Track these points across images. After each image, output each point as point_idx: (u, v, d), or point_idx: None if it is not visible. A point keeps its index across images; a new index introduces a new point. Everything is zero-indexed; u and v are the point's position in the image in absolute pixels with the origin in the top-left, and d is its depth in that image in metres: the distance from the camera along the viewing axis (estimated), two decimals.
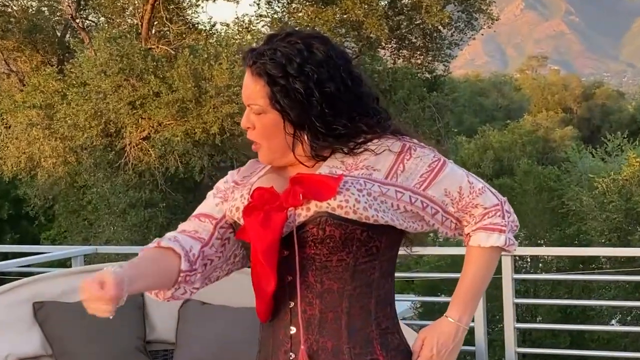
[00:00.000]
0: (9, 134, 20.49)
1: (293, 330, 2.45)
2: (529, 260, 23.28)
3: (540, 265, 24.12)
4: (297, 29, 2.51)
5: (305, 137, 2.43)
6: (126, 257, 7.47)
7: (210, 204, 2.64)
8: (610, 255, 22.98)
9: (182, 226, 2.63)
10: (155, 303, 5.13)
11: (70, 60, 20.81)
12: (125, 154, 19.39)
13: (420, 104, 21.36)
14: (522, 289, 21.95)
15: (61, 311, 4.93)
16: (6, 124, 20.62)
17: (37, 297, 4.96)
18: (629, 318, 22.96)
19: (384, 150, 2.44)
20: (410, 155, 2.46)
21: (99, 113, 19.12)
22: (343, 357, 2.42)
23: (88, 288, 2.28)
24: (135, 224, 18.73)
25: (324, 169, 2.44)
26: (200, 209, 2.65)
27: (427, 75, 23.29)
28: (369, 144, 2.45)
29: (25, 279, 5.10)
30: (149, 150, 19.14)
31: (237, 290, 5.11)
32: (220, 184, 2.68)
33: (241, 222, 2.46)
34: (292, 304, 2.44)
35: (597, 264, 24.58)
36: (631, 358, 9.94)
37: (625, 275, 20.25)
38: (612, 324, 22.75)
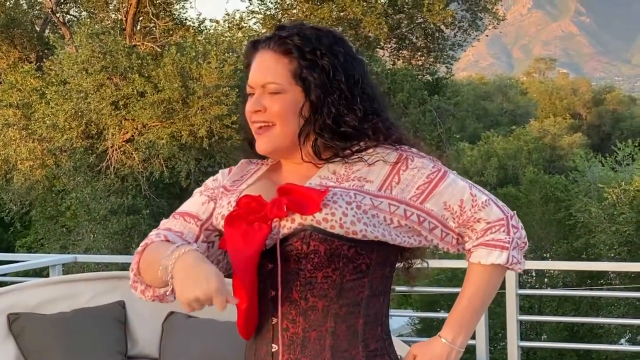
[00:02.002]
0: None
1: (275, 348, 2.43)
2: (534, 274, 23.31)
3: (546, 280, 24.16)
4: (294, 22, 2.49)
5: (313, 130, 2.41)
6: (107, 266, 7.50)
7: (197, 203, 2.62)
8: (620, 270, 22.97)
9: (166, 223, 2.62)
10: (137, 316, 5.13)
11: (50, 57, 20.82)
12: (107, 157, 19.37)
13: (420, 107, 21.40)
14: (527, 305, 21.98)
15: (38, 323, 4.93)
16: None
17: (12, 308, 4.97)
18: (639, 337, 22.98)
19: (377, 161, 2.43)
20: (406, 166, 2.43)
21: (79, 113, 19.09)
22: None
23: None
24: (116, 231, 18.70)
25: (315, 179, 2.43)
26: (186, 207, 2.63)
27: (429, 78, 23.36)
28: (363, 153, 2.43)
29: (1, 289, 5.10)
30: (132, 154, 19.13)
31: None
32: (209, 182, 2.66)
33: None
34: (275, 320, 2.42)
35: (606, 280, 24.62)
36: None
37: (636, 292, 20.30)
38: (622, 344, 22.76)
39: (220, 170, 2.70)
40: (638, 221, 25.60)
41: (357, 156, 2.43)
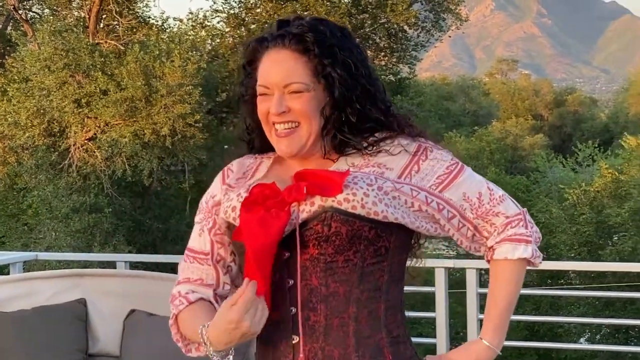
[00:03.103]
0: None
1: (295, 339, 2.38)
2: None
3: None
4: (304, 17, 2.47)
5: (333, 126, 2.39)
6: (68, 264, 7.48)
7: (196, 237, 2.60)
8: (580, 270, 23.18)
9: (184, 271, 2.63)
10: (98, 314, 5.11)
11: (12, 54, 20.71)
12: (70, 155, 19.30)
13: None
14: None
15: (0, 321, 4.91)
16: None
17: None
18: (598, 336, 23.17)
19: (399, 152, 2.43)
20: (426, 156, 2.44)
21: (41, 111, 19.03)
22: None
23: None
24: (78, 229, 18.63)
25: (334, 168, 2.41)
26: (193, 243, 2.60)
27: (392, 78, 23.42)
28: (381, 143, 2.43)
29: None
30: (94, 152, 19.07)
31: None
32: (204, 201, 2.60)
33: (237, 222, 2.39)
34: (294, 310, 2.37)
35: (566, 279, 24.81)
36: None
37: (595, 291, 20.47)
38: (581, 343, 22.91)
39: (212, 186, 2.62)
40: (598, 222, 25.80)
41: (376, 147, 2.42)
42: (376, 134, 2.44)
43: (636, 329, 23.28)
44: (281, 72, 2.36)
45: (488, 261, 2.52)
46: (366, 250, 2.34)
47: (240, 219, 2.33)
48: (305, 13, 21.09)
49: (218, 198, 2.55)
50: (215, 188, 2.58)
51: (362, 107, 2.39)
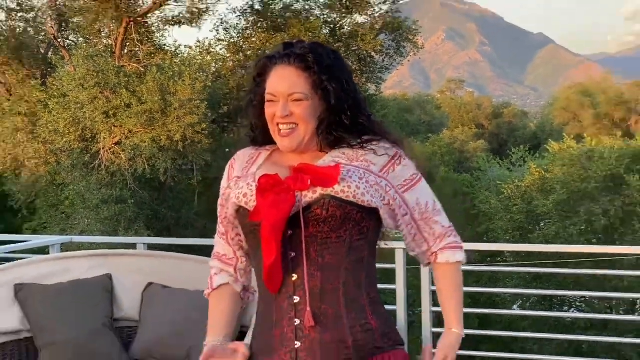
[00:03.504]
0: None
1: (296, 299, 2.44)
2: None
3: None
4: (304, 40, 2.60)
5: (327, 127, 2.51)
6: (97, 246, 7.43)
7: (220, 217, 2.70)
8: (513, 250, 23.25)
9: (217, 246, 2.75)
10: (122, 287, 5.09)
11: (52, 74, 20.63)
12: (99, 157, 19.23)
13: None
14: None
15: (39, 292, 4.88)
16: None
17: (18, 279, 4.91)
18: (527, 304, 23.26)
19: (383, 154, 2.55)
20: (400, 161, 2.57)
21: (76, 121, 18.96)
22: (342, 322, 2.44)
23: None
24: (107, 217, 18.58)
25: (327, 158, 2.53)
26: (219, 227, 2.72)
27: (361, 94, 23.35)
28: (369, 144, 2.55)
29: (8, 264, 5.04)
30: (120, 154, 19.01)
31: (194, 275, 5.11)
32: (221, 194, 2.71)
33: (249, 207, 2.48)
34: (296, 276, 2.44)
35: (502, 258, 24.89)
36: (529, 338, 10.07)
37: (526, 267, 20.47)
38: (514, 309, 23.00)
39: (225, 170, 2.72)
40: (528, 211, 25.90)
41: (364, 145, 2.55)
42: (364, 136, 2.56)
43: (558, 298, 23.36)
44: (286, 84, 2.46)
45: (428, 263, 2.67)
46: (353, 229, 2.45)
47: (257, 202, 2.44)
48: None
49: (225, 197, 2.65)
50: (224, 183, 2.68)
51: (352, 114, 2.51)
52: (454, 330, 2.61)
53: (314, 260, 2.43)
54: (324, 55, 2.50)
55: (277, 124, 2.49)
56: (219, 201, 2.66)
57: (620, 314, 22.87)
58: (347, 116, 2.51)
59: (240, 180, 2.57)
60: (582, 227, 24.41)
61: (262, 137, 2.63)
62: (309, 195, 2.41)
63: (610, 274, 19.43)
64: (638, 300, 24.23)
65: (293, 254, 2.44)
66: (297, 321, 2.43)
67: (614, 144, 28.26)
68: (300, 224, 2.41)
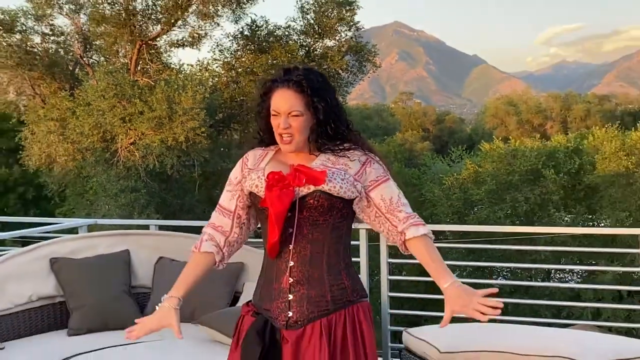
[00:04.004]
0: (34, 138, 20.10)
1: (292, 263, 2.62)
2: None
3: None
4: (300, 64, 2.69)
5: (316, 136, 2.65)
6: (117, 227, 7.40)
7: (227, 199, 2.81)
8: (453, 230, 23.35)
9: (213, 217, 2.83)
10: (137, 260, 5.08)
11: (79, 87, 20.50)
12: (117, 154, 19.14)
13: None
14: (393, 252, 22.11)
15: (70, 265, 4.87)
16: (32, 131, 20.22)
17: (52, 254, 4.89)
18: (464, 273, 23.37)
19: (355, 160, 2.68)
20: (370, 166, 2.69)
21: (98, 125, 18.86)
22: (324, 282, 2.62)
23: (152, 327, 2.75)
24: (123, 204, 18.51)
25: (317, 161, 2.66)
26: (221, 201, 2.82)
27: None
28: (347, 152, 2.68)
29: (44, 242, 5.02)
30: (134, 152, 18.92)
31: None
32: (232, 178, 2.82)
33: (260, 194, 2.65)
34: (291, 246, 2.62)
35: (444, 236, 24.97)
36: (512, 320, 10.05)
37: (463, 244, 20.56)
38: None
39: (234, 169, 2.83)
40: (464, 198, 26.02)
41: (342, 153, 2.68)
42: (345, 144, 2.69)
43: (488, 268, 23.50)
44: (286, 104, 2.60)
45: (403, 242, 2.70)
46: (337, 214, 2.63)
47: (265, 195, 2.61)
48: (275, 61, 21.04)
49: (239, 178, 2.77)
50: (237, 171, 2.80)
51: (335, 126, 2.65)
52: (450, 282, 2.60)
53: (305, 236, 2.60)
54: (314, 80, 2.62)
55: (280, 134, 2.62)
56: (228, 187, 2.81)
57: (538, 281, 23.10)
58: (331, 127, 2.64)
59: (252, 172, 2.71)
60: (508, 212, 24.57)
61: (268, 139, 2.75)
62: (304, 190, 2.58)
63: (530, 249, 19.59)
64: (552, 270, 24.50)
65: (291, 230, 2.60)
66: (291, 279, 2.63)
67: (533, 144, 28.44)
68: (297, 209, 2.59)
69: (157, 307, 2.72)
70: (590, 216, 25.63)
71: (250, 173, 2.71)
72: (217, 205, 2.82)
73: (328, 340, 2.57)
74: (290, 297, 2.61)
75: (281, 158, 2.72)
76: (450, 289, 2.58)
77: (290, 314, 2.61)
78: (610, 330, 14.10)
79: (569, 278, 25.00)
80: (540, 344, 4.33)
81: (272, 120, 2.64)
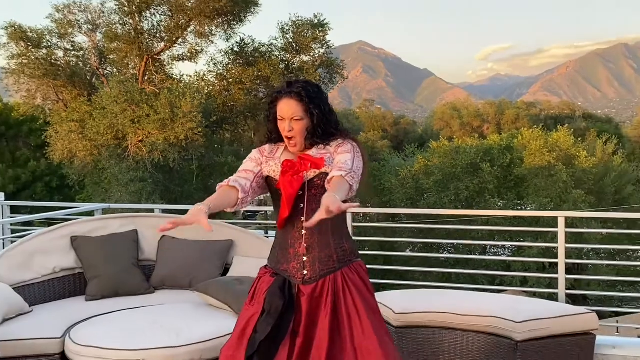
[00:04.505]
0: (57, 136, 19.91)
1: (304, 232, 2.67)
2: (361, 215, 23.64)
3: (368, 218, 24.51)
4: (301, 77, 2.77)
5: (310, 135, 2.69)
6: (127, 211, 7.35)
7: (250, 166, 2.78)
8: (407, 212, 23.48)
9: (237, 174, 2.77)
10: (144, 238, 5.05)
11: (95, 94, 20.32)
12: (128, 150, 19.00)
13: None
14: (357, 231, 22.24)
15: (88, 242, 4.83)
16: (56, 130, 20.03)
17: (73, 233, 4.86)
18: (416, 248, 23.52)
19: (334, 144, 2.72)
20: (342, 146, 2.71)
21: (112, 126, 18.72)
22: (330, 246, 2.69)
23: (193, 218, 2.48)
24: (133, 191, 18.43)
25: (314, 151, 2.71)
26: (244, 166, 2.78)
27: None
28: (332, 142, 2.73)
29: (66, 223, 4.98)
30: (142, 148, 18.80)
31: (194, 231, 5.08)
32: (253, 155, 2.81)
33: (275, 177, 2.70)
34: (303, 219, 2.65)
35: (399, 218, 25.10)
36: (417, 271, 10.14)
37: (415, 224, 20.69)
38: (407, 252, 23.23)
39: (254, 151, 2.83)
40: (416, 187, 26.14)
41: (328, 143, 2.73)
42: (332, 141, 2.74)
43: (435, 245, 23.67)
44: (290, 110, 2.67)
45: (328, 181, 2.61)
46: None
47: (279, 180, 2.67)
48: (259, 73, 20.98)
49: (259, 156, 2.79)
50: (256, 152, 2.82)
51: (326, 127, 2.71)
52: (331, 193, 2.49)
53: (314, 210, 2.56)
54: (311, 91, 2.68)
55: (287, 137, 2.70)
56: (248, 162, 2.79)
57: (476, 255, 23.30)
58: (322, 129, 2.69)
59: (270, 160, 2.75)
60: (452, 198, 24.75)
61: (276, 139, 2.79)
62: (310, 173, 2.64)
63: (470, 229, 19.77)
64: (487, 246, 24.72)
65: (302, 205, 2.65)
66: (305, 245, 2.68)
67: (472, 143, 28.61)
68: (306, 189, 2.64)
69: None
70: (519, 202, 25.87)
71: (268, 160, 2.75)
72: (238, 171, 2.79)
73: (333, 291, 2.64)
74: (305, 259, 2.67)
75: (289, 151, 2.77)
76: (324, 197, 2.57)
77: (306, 272, 2.66)
78: (534, 295, 14.28)
79: (502, 252, 25.25)
80: (478, 306, 4.38)
81: (279, 124, 2.70)
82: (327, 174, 2.62)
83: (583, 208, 24.07)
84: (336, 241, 2.70)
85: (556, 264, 5.09)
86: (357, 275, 2.70)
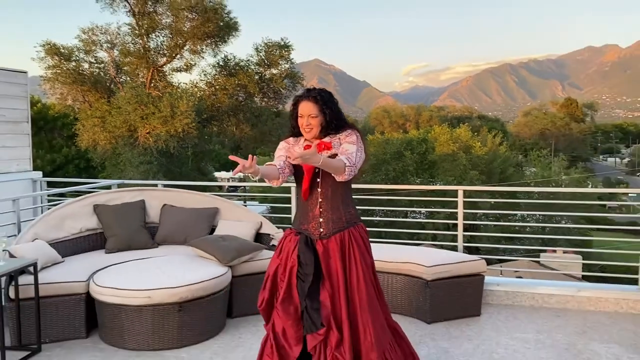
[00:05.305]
0: (84, 129, 19.37)
1: (320, 200, 2.60)
2: None
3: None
4: (315, 86, 2.72)
5: (324, 130, 2.59)
6: (137, 185, 7.18)
7: (281, 152, 2.67)
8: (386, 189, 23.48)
9: (275, 159, 2.67)
10: (150, 206, 4.95)
11: (113, 96, 19.81)
12: (138, 140, 18.60)
13: (273, 121, 21.33)
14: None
15: (106, 209, 4.73)
16: (83, 124, 19.48)
17: (95, 202, 4.75)
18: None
19: (342, 135, 2.61)
20: (348, 135, 2.61)
21: (126, 121, 18.28)
22: (340, 210, 2.62)
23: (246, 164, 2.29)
24: (142, 171, 18.12)
25: (327, 139, 2.60)
26: (277, 153, 2.69)
27: (275, 110, 23.09)
28: (341, 132, 2.62)
29: (90, 194, 4.87)
30: (149, 139, 18.41)
31: (189, 200, 5.01)
32: (281, 145, 2.70)
33: None
34: (320, 190, 2.60)
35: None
36: (384, 242, 10.14)
37: (356, 196, 20.68)
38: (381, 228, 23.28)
39: (282, 142, 2.72)
40: (395, 170, 26.13)
41: (336, 134, 2.62)
42: (341, 131, 2.63)
43: (370, 211, 23.77)
44: (308, 110, 2.59)
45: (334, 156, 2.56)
46: None
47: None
48: (239, 82, 20.68)
49: (285, 145, 2.68)
50: (284, 143, 2.70)
51: (337, 123, 2.61)
52: (321, 155, 2.37)
53: (327, 182, 2.58)
54: (325, 96, 2.61)
55: (304, 127, 2.60)
56: (279, 151, 2.68)
57: (400, 218, 23.58)
58: (333, 124, 2.59)
59: (295, 146, 2.67)
60: (383, 177, 24.96)
61: (298, 132, 2.68)
62: (325, 154, 2.49)
63: (396, 199, 19.94)
64: (408, 212, 25.04)
65: (318, 179, 2.59)
66: (321, 209, 2.60)
67: (398, 136, 28.86)
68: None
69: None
70: (432, 179, 26.26)
71: (293, 146, 2.68)
72: (274, 157, 2.71)
73: (341, 244, 2.59)
74: (321, 220, 2.61)
75: (308, 140, 2.69)
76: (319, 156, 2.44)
77: (322, 230, 2.61)
78: (442, 247, 14.56)
79: (418, 217, 25.66)
80: (400, 255, 4.45)
81: (299, 120, 2.62)
82: (337, 155, 2.55)
83: (477, 184, 24.62)
84: (344, 207, 2.64)
85: (457, 225, 5.21)
86: (359, 235, 2.65)
